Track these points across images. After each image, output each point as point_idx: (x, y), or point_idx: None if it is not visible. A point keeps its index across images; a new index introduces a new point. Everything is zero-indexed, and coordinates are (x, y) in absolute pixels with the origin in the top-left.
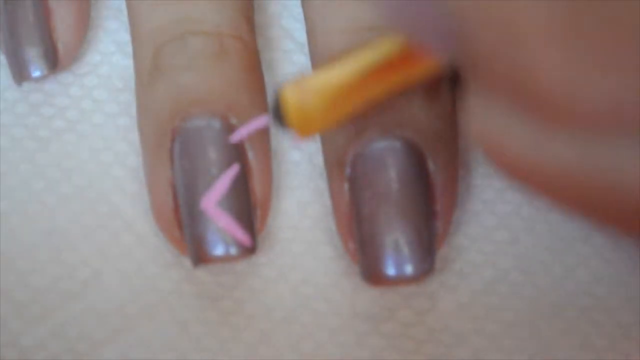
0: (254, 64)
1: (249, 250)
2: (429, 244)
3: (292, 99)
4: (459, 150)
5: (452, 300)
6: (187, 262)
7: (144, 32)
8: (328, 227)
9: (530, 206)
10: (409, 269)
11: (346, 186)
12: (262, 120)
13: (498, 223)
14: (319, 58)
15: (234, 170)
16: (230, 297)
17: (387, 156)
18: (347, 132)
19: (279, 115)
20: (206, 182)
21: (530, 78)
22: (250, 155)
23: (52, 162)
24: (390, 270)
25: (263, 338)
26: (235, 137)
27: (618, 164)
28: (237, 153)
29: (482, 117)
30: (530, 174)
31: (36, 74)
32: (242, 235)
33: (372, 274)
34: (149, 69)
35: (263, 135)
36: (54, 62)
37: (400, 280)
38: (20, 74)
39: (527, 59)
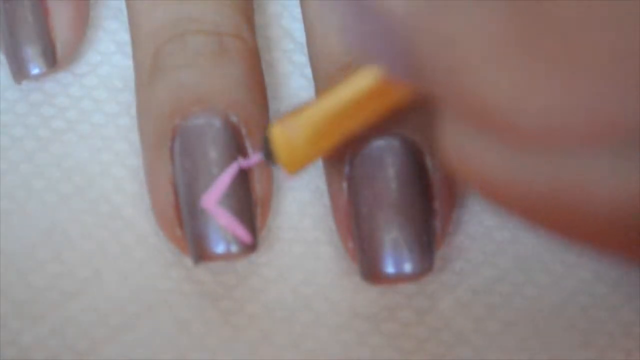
0: (253, 63)
1: (250, 247)
2: (428, 242)
3: (279, 138)
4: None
5: (453, 300)
6: (187, 261)
7: (144, 31)
8: (328, 227)
9: None
10: (408, 268)
11: (345, 185)
12: (233, 170)
13: (498, 222)
14: (317, 60)
15: (234, 168)
16: (231, 296)
17: (385, 155)
18: None
19: (269, 154)
20: (207, 180)
21: (478, 99)
22: (251, 153)
23: (52, 161)
24: (390, 269)
25: (263, 337)
26: (215, 194)
27: (584, 181)
28: (238, 151)
29: (454, 140)
30: (505, 196)
31: (35, 71)
32: (242, 233)
33: (372, 273)
34: (149, 68)
35: (263, 131)
36: (52, 60)
37: (400, 278)
38: (19, 72)
39: (471, 79)
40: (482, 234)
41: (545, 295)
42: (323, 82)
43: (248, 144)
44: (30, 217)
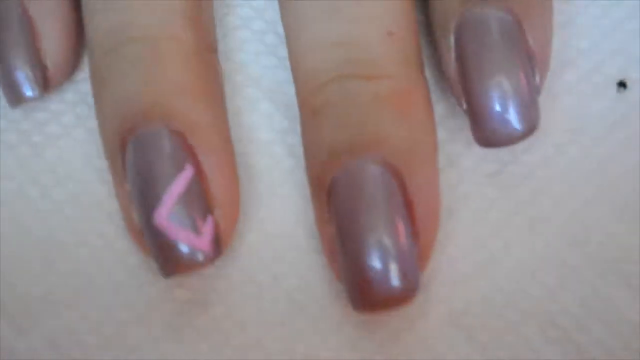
0: (194, 62)
1: (210, 256)
2: (410, 265)
3: None
4: (437, 159)
5: (444, 308)
6: None
7: (88, 40)
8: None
9: (522, 215)
10: (395, 292)
11: (327, 216)
12: (183, 180)
13: (491, 232)
14: (298, 75)
15: (182, 179)
16: (223, 302)
17: (364, 180)
18: (322, 158)
19: None
20: (155, 195)
21: None
22: (202, 157)
23: (46, 168)
24: (376, 296)
25: (255, 343)
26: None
27: None
28: (185, 159)
29: None
30: None
31: (28, 94)
32: (200, 243)
33: (359, 302)
34: (94, 80)
35: (215, 133)
36: (44, 83)
37: (387, 304)
38: (13, 97)
39: None
40: (475, 244)
41: (537, 306)
42: (300, 107)
43: (197, 148)
44: (24, 225)
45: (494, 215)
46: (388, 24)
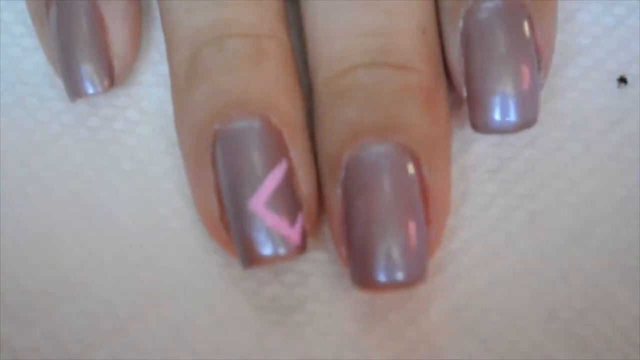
0: (290, 63)
1: (298, 249)
2: (421, 251)
3: None
4: (451, 156)
5: (446, 303)
6: (179, 267)
7: (180, 36)
8: (322, 231)
9: (524, 210)
10: (400, 276)
11: (339, 191)
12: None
13: (492, 227)
14: (316, 64)
15: (280, 170)
16: (223, 300)
17: (382, 161)
18: (342, 136)
19: None
20: (252, 183)
21: None
22: (293, 151)
23: (46, 166)
24: (381, 277)
25: (256, 340)
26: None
27: None
28: (281, 152)
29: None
30: None
31: (90, 91)
32: (291, 234)
33: (363, 281)
34: (186, 73)
35: (303, 131)
36: (110, 78)
37: (392, 287)
38: (75, 90)
39: None
40: (477, 239)
41: (539, 300)
42: (321, 88)
43: (290, 145)
44: (24, 222)
45: (495, 210)
46: (422, 21)
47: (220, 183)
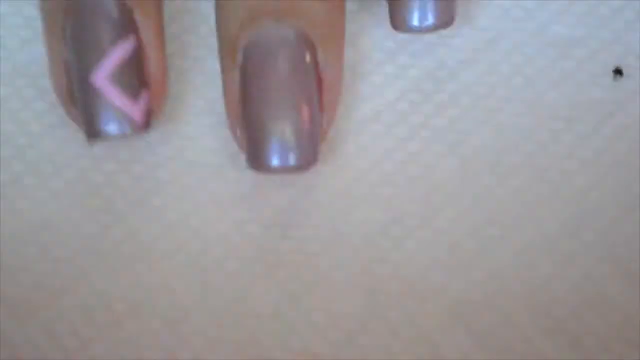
0: None
1: (140, 126)
2: (315, 135)
3: None
4: (344, 48)
5: (442, 299)
6: (176, 258)
7: None
8: (317, 224)
9: (519, 203)
10: (292, 158)
11: (237, 72)
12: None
13: (488, 220)
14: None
15: (127, 45)
16: (218, 296)
17: (279, 45)
18: (241, 18)
19: None
20: (96, 56)
21: None
22: (142, 30)
23: (43, 157)
24: (275, 157)
25: (250, 338)
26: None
27: None
28: (129, 29)
29: None
30: None
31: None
32: (133, 111)
33: (257, 163)
34: None
35: (157, 11)
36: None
37: (284, 169)
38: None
39: None
40: (472, 232)
41: (534, 295)
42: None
43: (140, 23)
44: (20, 213)
45: (491, 204)
46: None
47: (68, 56)
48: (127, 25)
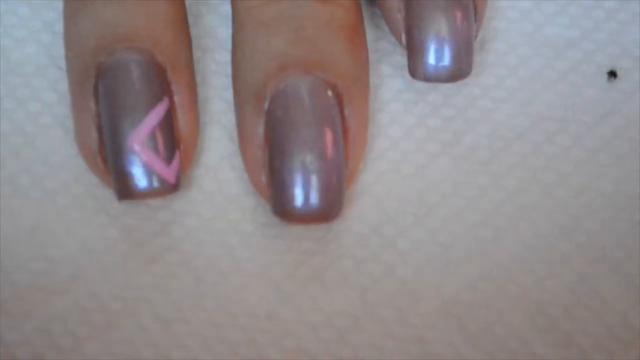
0: (179, 1)
1: (172, 186)
2: (340, 185)
3: None
4: (369, 94)
5: (436, 298)
6: (170, 257)
7: None
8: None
9: (513, 204)
10: (317, 206)
11: (263, 120)
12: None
13: (481, 220)
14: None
15: (161, 108)
16: (213, 295)
17: (308, 94)
18: (268, 67)
19: None
20: (132, 119)
21: None
22: (175, 90)
23: (38, 157)
24: (300, 205)
25: (244, 337)
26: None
27: None
28: (163, 90)
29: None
30: None
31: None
32: (166, 172)
33: (282, 207)
34: (74, 2)
35: (187, 70)
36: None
37: (309, 216)
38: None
39: None
40: (465, 232)
41: (527, 295)
42: (243, 15)
43: (173, 82)
44: (15, 214)
45: (484, 203)
46: None
47: (101, 116)
48: (161, 86)
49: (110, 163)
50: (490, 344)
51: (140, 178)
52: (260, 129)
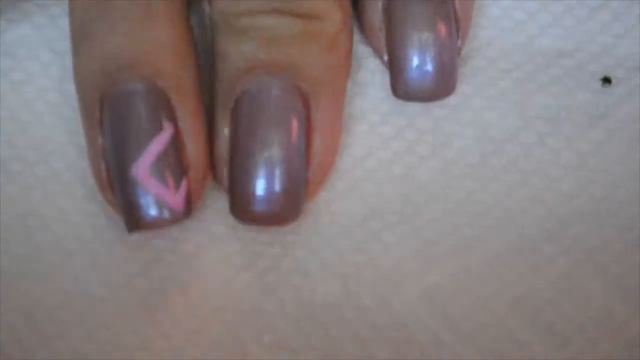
0: (182, 24)
1: (182, 214)
2: (299, 189)
3: None
4: (345, 98)
5: (417, 286)
6: (156, 244)
7: None
8: None
9: (501, 208)
10: (275, 211)
11: (227, 121)
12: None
13: (468, 221)
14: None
15: (164, 136)
16: (198, 285)
17: (270, 94)
18: (237, 69)
19: None
20: (135, 149)
21: None
22: (180, 116)
23: (30, 144)
24: (258, 209)
25: (226, 330)
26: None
27: None
28: (166, 118)
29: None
30: None
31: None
32: (173, 201)
33: (240, 210)
34: (77, 35)
35: (193, 95)
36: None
37: (267, 220)
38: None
39: None
40: (451, 231)
41: (509, 288)
42: (225, 20)
43: (176, 107)
44: (5, 200)
45: (471, 207)
46: None
47: (105, 146)
48: (164, 113)
49: (117, 195)
50: (473, 331)
51: (147, 208)
52: (226, 130)
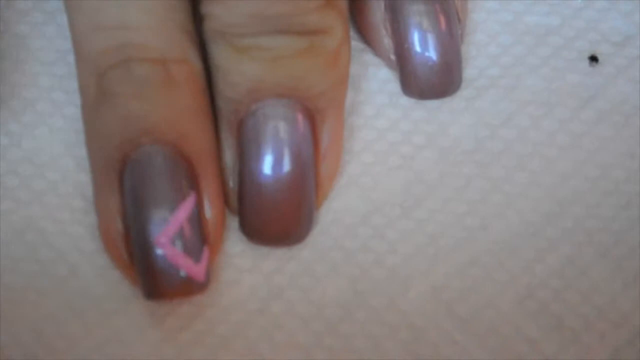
0: (200, 88)
1: (202, 285)
2: (310, 208)
3: None
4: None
5: (424, 284)
6: None
7: (86, 53)
8: None
9: (500, 193)
10: (288, 232)
11: (233, 143)
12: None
13: (469, 209)
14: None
15: (188, 204)
16: (207, 295)
17: (277, 117)
18: (241, 92)
19: None
20: (159, 218)
21: None
22: (203, 183)
23: (24, 157)
24: (272, 232)
25: (237, 331)
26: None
27: None
28: (190, 183)
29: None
30: None
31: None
32: (195, 271)
33: (252, 232)
34: (95, 92)
35: (213, 161)
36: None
37: (280, 240)
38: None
39: None
40: (453, 221)
41: (515, 280)
42: (228, 39)
43: (200, 175)
44: (4, 215)
45: (470, 193)
46: None
47: (127, 210)
48: (188, 180)
49: (137, 260)
50: (481, 328)
51: (168, 278)
52: (233, 155)
